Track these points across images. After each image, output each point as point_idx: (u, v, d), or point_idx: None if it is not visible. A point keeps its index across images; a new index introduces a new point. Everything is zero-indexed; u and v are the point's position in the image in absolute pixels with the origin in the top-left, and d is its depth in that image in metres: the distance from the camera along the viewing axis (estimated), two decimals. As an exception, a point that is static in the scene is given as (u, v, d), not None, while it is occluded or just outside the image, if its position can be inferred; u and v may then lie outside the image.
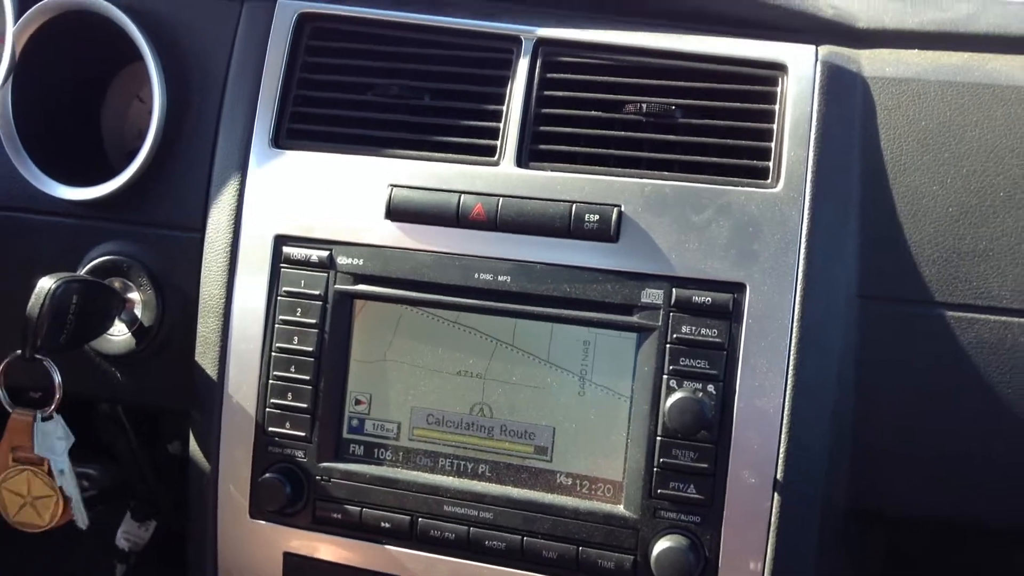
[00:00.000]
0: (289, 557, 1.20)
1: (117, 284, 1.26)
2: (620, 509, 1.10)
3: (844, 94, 1.10)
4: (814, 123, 1.08)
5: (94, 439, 1.59)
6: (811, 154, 1.08)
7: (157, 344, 1.26)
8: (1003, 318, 1.05)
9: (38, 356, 1.14)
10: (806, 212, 1.07)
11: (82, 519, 1.22)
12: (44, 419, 1.18)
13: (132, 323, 1.26)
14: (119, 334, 1.26)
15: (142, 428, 1.54)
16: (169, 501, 1.60)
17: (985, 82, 1.09)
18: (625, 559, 1.09)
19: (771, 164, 1.10)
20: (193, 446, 1.24)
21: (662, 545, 1.06)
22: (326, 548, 1.19)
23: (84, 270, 1.26)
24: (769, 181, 1.09)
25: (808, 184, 1.07)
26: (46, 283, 1.13)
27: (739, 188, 1.09)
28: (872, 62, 1.13)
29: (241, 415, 1.20)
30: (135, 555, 1.77)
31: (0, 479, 1.19)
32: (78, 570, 1.75)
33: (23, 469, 1.20)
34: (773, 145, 1.10)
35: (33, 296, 1.12)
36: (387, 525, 1.15)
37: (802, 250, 1.06)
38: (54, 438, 1.18)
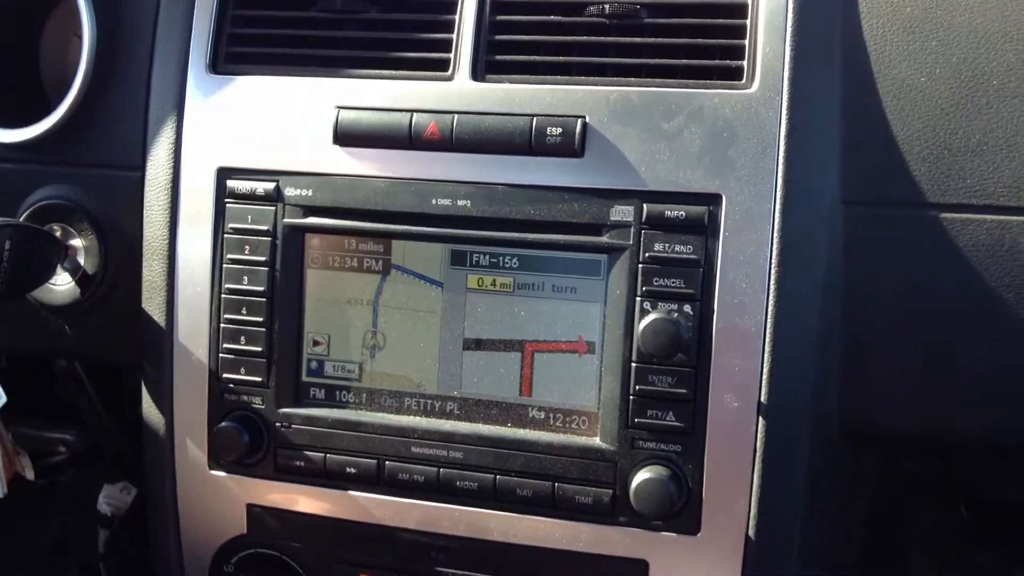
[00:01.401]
0: (252, 508, 1.15)
1: (57, 230, 1.19)
2: (596, 441, 1.03)
3: (822, -18, 1.01)
4: (790, 15, 1.00)
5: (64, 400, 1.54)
6: (788, 50, 1.00)
7: (102, 292, 1.19)
8: (1000, 217, 0.97)
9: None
10: (784, 113, 0.99)
11: (2, 486, 1.16)
12: (-26, 376, 1.11)
13: (75, 271, 1.19)
14: (62, 283, 1.20)
15: (105, 385, 1.48)
16: (138, 463, 1.55)
17: (974, -37, 1.00)
18: (603, 493, 1.02)
19: (745, 63, 1.02)
20: (146, 399, 1.18)
21: (641, 477, 1.00)
22: (290, 498, 1.13)
23: (23, 217, 1.19)
24: (744, 82, 1.01)
25: (785, 83, 0.99)
26: (-27, 229, 1.06)
27: (712, 91, 1.01)
28: (852, -54, 1.04)
29: (193, 363, 1.13)
30: (118, 520, 1.72)
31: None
32: (65, 534, 1.70)
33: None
34: (747, 42, 1.02)
35: (-40, 243, 1.05)
36: (353, 471, 1.09)
37: (781, 155, 0.99)
38: None
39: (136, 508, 1.70)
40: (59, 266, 1.18)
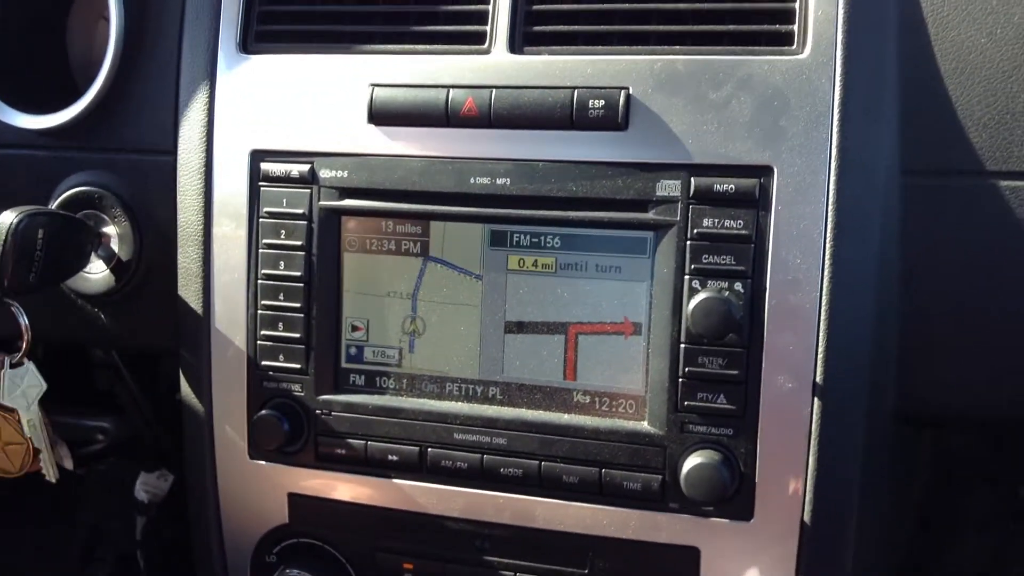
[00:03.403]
0: (294, 497, 1.13)
1: (91, 218, 1.17)
2: (644, 426, 1.00)
3: (876, -60, 0.96)
4: (843, -23, 0.95)
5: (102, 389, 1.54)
6: (841, 12, 0.95)
7: (138, 279, 1.17)
8: (1068, 184, 0.92)
9: (7, 299, 1.06)
10: (838, 80, 0.95)
11: (52, 472, 1.16)
12: (13, 365, 1.10)
13: (110, 259, 1.18)
14: (97, 271, 1.18)
15: (142, 373, 1.47)
16: (176, 450, 1.54)
17: (1038, -85, 0.95)
18: (653, 479, 0.99)
19: (796, 27, 0.97)
20: (184, 387, 1.16)
21: (692, 462, 0.96)
22: (332, 486, 1.11)
23: (55, 205, 1.18)
24: (795, 47, 0.97)
25: (839, 47, 0.95)
26: (7, 217, 1.05)
27: (761, 58, 0.97)
28: (907, -98, 0.99)
29: (231, 350, 1.11)
30: (155, 506, 1.72)
31: (-29, 424, 1.13)
32: (102, 522, 1.70)
33: (-7, 414, 1.13)
34: (797, 5, 0.97)
35: (-5, 233, 1.03)
36: (395, 458, 1.07)
37: (835, 124, 0.94)
38: (25, 385, 1.11)
39: (173, 495, 1.70)
40: (93, 254, 1.17)
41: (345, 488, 1.11)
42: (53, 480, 1.17)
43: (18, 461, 1.13)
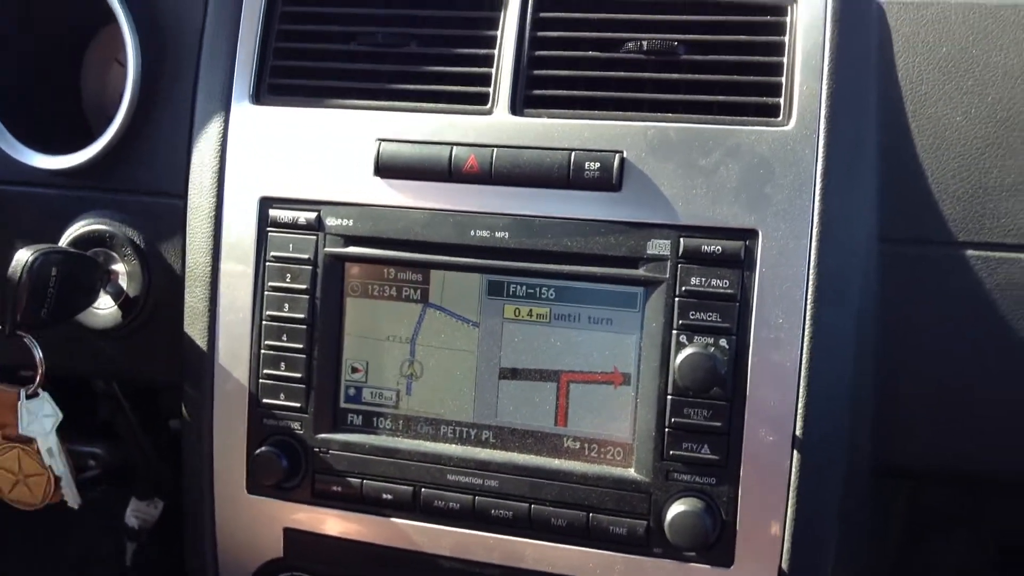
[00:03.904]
0: (290, 532, 1.16)
1: (101, 256, 1.21)
2: (631, 472, 1.04)
3: (858, 21, 1.02)
4: (827, 54, 1.01)
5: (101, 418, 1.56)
6: (824, 88, 1.01)
7: (144, 316, 1.21)
8: (1035, 256, 0.98)
9: (19, 332, 1.09)
10: (821, 150, 1.00)
11: (73, 498, 1.18)
12: (29, 396, 1.13)
13: (118, 295, 1.21)
14: (105, 307, 1.21)
15: (142, 405, 1.50)
16: (171, 479, 1.57)
17: (1009, 2, 1.01)
18: (638, 524, 1.04)
19: (782, 100, 1.03)
20: (186, 421, 1.19)
21: (676, 509, 1.01)
22: (327, 522, 1.15)
23: (65, 242, 1.22)
24: (780, 119, 1.02)
25: (822, 120, 1.00)
26: (23, 255, 1.08)
27: (748, 127, 1.02)
28: (888, -14, 1.05)
29: (234, 387, 1.15)
30: (145, 533, 1.74)
31: (-9, 457, 1.16)
32: (90, 548, 1.72)
33: (13, 447, 1.17)
34: (784, 80, 1.03)
35: (10, 269, 1.07)
36: (389, 496, 1.11)
37: (817, 191, 1.00)
38: (40, 415, 1.14)
39: (162, 522, 1.72)
40: (102, 290, 1.21)
41: (340, 524, 1.14)
42: (75, 506, 1.19)
43: (40, 492, 1.16)
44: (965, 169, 1.00)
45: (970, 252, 0.99)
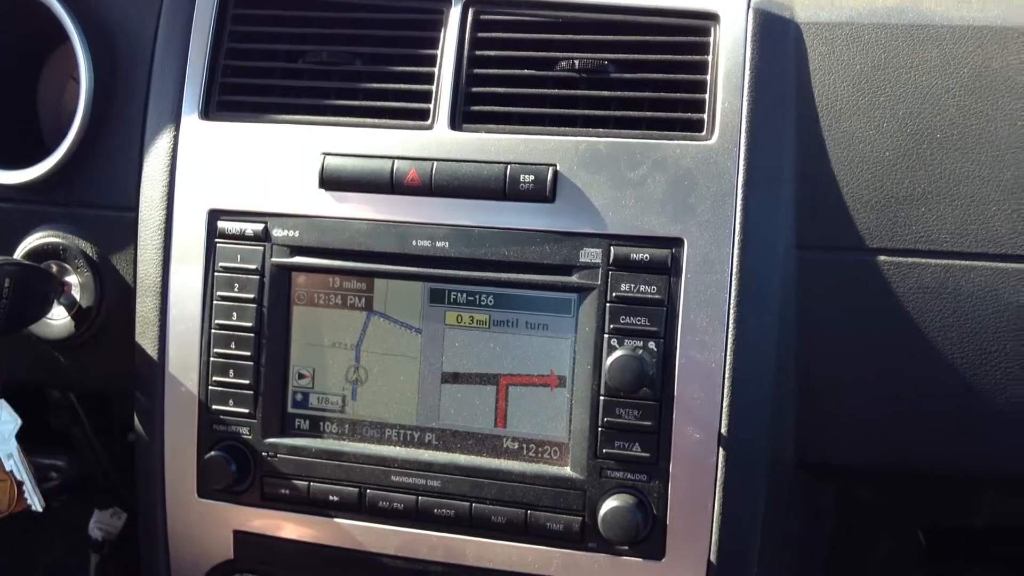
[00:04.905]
0: (239, 535, 1.19)
1: (54, 267, 1.24)
2: (567, 471, 1.09)
3: (777, 41, 1.08)
4: (747, 72, 1.07)
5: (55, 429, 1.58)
6: (745, 104, 1.06)
7: (97, 326, 1.24)
8: (944, 261, 1.04)
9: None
10: (742, 163, 1.05)
11: (36, 502, 1.20)
12: (-14, 405, 1.16)
13: (71, 306, 1.24)
14: (59, 318, 1.24)
15: (96, 416, 1.52)
16: (129, 487, 1.59)
17: (919, 23, 1.07)
18: (573, 520, 1.08)
19: (706, 116, 1.08)
20: (138, 428, 1.22)
21: (609, 505, 1.05)
22: (276, 524, 1.18)
23: (20, 254, 1.24)
24: (704, 133, 1.08)
25: (743, 135, 1.06)
26: (-24, 268, 1.11)
27: (674, 142, 1.07)
28: (805, 8, 1.11)
29: (184, 394, 1.18)
30: (109, 544, 1.76)
31: (-49, 467, 1.17)
32: (54, 560, 1.73)
33: (-28, 456, 1.18)
34: (707, 96, 1.08)
35: (-37, 282, 1.10)
36: (335, 498, 1.14)
37: (739, 202, 1.05)
38: (1, 422, 1.16)
39: (126, 533, 1.74)
40: (55, 301, 1.23)
41: (288, 526, 1.17)
42: (39, 509, 1.20)
43: (4, 499, 1.17)
44: (878, 179, 1.05)
45: (882, 258, 1.05)
